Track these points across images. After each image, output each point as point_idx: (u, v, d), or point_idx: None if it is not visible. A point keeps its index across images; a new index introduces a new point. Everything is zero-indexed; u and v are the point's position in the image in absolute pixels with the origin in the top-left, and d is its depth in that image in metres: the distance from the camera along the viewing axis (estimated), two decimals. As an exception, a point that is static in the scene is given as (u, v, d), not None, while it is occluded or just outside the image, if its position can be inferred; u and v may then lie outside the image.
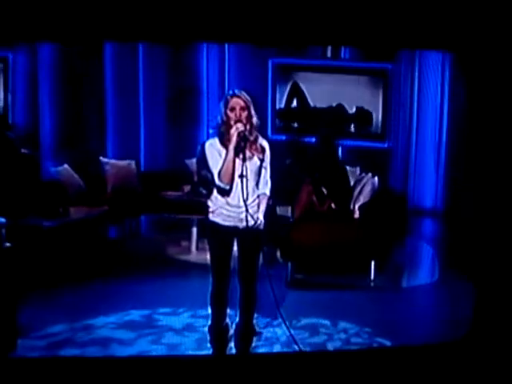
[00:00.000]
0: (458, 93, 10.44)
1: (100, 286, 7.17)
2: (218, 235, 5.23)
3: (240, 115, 5.06)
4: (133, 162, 10.16)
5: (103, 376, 4.80)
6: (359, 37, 6.01)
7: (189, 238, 8.77)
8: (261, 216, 5.22)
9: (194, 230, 8.64)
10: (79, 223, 8.21)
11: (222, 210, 5.18)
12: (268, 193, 5.30)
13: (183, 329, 6.17)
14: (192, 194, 8.84)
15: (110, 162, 10.05)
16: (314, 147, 9.47)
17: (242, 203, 5.07)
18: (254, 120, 5.15)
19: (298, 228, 7.82)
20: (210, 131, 5.31)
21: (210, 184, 8.42)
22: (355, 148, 11.15)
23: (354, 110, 11.23)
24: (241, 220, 5.13)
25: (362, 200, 8.15)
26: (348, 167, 9.17)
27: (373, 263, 7.63)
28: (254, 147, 5.15)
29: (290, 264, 7.57)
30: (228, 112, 5.09)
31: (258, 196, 5.24)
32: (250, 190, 5.11)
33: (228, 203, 5.15)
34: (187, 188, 9.00)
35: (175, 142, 11.39)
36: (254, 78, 11.15)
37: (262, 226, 5.22)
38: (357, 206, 8.12)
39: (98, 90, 10.99)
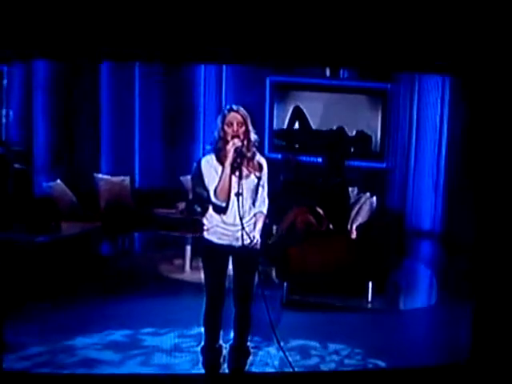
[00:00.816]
0: (458, 114, 10.39)
1: (85, 305, 7.05)
2: (212, 254, 5.14)
3: (237, 130, 4.99)
4: (127, 179, 10.05)
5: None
6: (358, 59, 6.17)
7: (182, 257, 8.65)
8: (257, 235, 5.15)
9: (188, 248, 8.53)
10: (71, 239, 8.13)
11: (218, 229, 5.10)
12: (265, 211, 5.23)
13: (172, 349, 6.06)
14: (186, 212, 8.74)
15: (104, 178, 9.94)
16: (316, 168, 9.42)
17: (238, 221, 4.99)
18: (252, 136, 5.08)
19: (295, 248, 7.72)
20: (207, 147, 5.24)
21: (204, 202, 8.35)
22: (353, 167, 11.07)
23: (354, 133, 11.20)
24: (236, 239, 5.05)
25: (359, 220, 8.07)
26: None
27: (370, 284, 7.54)
28: (251, 164, 5.07)
29: (285, 284, 7.46)
30: (225, 127, 5.02)
31: (255, 214, 5.17)
32: (246, 208, 5.05)
33: (224, 221, 5.07)
34: (181, 205, 8.89)
35: (170, 158, 11.33)
36: (252, 96, 11.05)
37: (258, 245, 5.14)
38: (354, 226, 8.03)
39: (93, 105, 10.92)
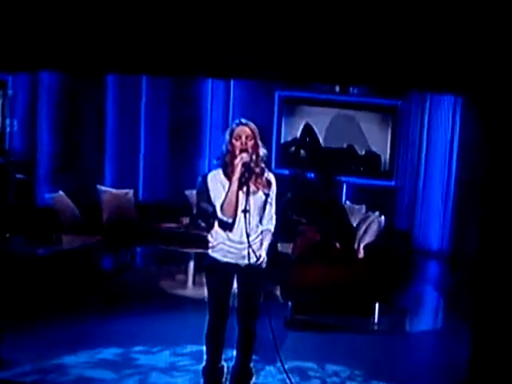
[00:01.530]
0: (469, 132, 10.30)
1: (83, 321, 6.90)
2: (217, 272, 5.03)
3: (246, 144, 4.89)
4: (131, 192, 9.98)
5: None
6: (369, 78, 6.10)
7: (185, 272, 8.55)
8: (263, 253, 5.03)
9: (191, 263, 8.41)
10: (72, 252, 8.01)
11: (223, 246, 4.99)
12: (272, 229, 5.12)
13: (169, 368, 5.93)
14: (191, 227, 8.63)
15: (107, 191, 9.86)
16: (311, 185, 9.35)
17: (244, 239, 4.88)
18: (261, 150, 4.97)
19: (300, 267, 7.60)
20: (214, 162, 5.14)
21: (209, 217, 8.25)
22: (361, 186, 11.02)
23: (363, 150, 11.14)
24: (242, 257, 4.94)
25: (367, 239, 7.93)
26: (354, 205, 9.01)
27: (377, 305, 7.42)
28: (259, 181, 4.96)
29: (290, 304, 7.34)
30: (233, 141, 4.92)
31: (262, 232, 5.05)
32: (253, 225, 4.94)
33: (229, 239, 4.96)
34: (186, 220, 8.79)
35: (175, 172, 11.33)
36: (260, 110, 11.09)
37: (264, 264, 5.02)
38: (362, 246, 7.90)
39: (98, 116, 10.92)
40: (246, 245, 4.87)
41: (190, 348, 6.27)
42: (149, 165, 11.41)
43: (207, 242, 5.10)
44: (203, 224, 8.40)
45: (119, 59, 5.66)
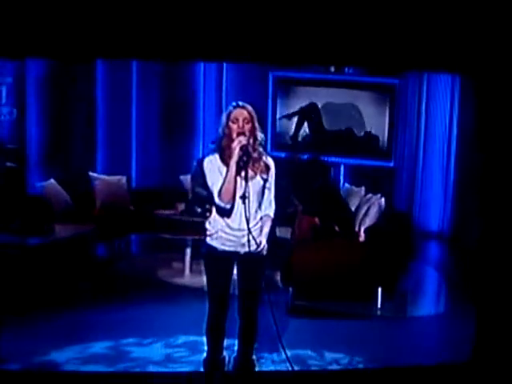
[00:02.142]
0: (469, 110, 10.16)
1: (78, 312, 6.79)
2: (216, 260, 4.89)
3: (243, 127, 4.75)
4: (124, 178, 9.87)
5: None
6: (365, 58, 5.96)
7: (182, 260, 8.40)
8: (264, 240, 4.89)
9: (188, 250, 8.27)
10: (64, 242, 7.86)
11: (222, 234, 4.85)
12: (272, 215, 4.98)
13: (165, 360, 5.82)
14: (186, 213, 8.49)
15: (100, 178, 9.76)
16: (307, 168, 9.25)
17: (243, 226, 4.74)
18: (258, 134, 4.83)
19: (300, 251, 7.47)
20: (210, 146, 4.99)
21: (205, 202, 8.15)
22: (360, 167, 10.90)
23: (361, 131, 11.00)
24: (242, 245, 4.80)
25: (367, 222, 7.80)
26: (353, 187, 8.88)
27: (380, 290, 7.29)
28: (257, 165, 4.83)
29: (291, 290, 7.22)
30: (230, 124, 4.77)
31: (261, 218, 4.92)
32: (252, 211, 4.80)
33: (228, 226, 4.82)
34: (181, 206, 8.65)
35: (169, 157, 11.17)
36: (254, 91, 10.92)
37: (264, 251, 4.89)
38: (362, 229, 7.78)
39: (88, 101, 10.73)
40: (246, 232, 4.74)
41: (187, 338, 6.16)
42: (141, 150, 11.25)
43: (205, 229, 4.95)
44: (199, 210, 8.29)
45: (107, 43, 5.50)
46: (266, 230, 4.93)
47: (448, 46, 5.53)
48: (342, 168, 11.13)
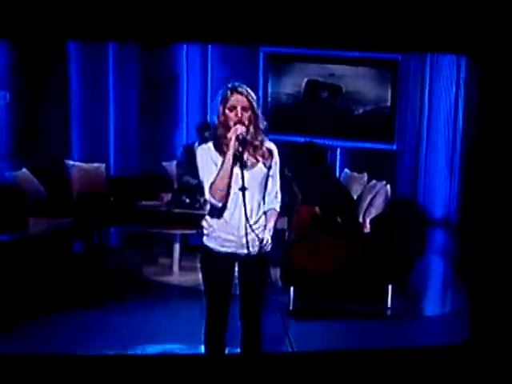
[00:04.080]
0: (476, 86, 9.89)
1: (52, 317, 6.44)
2: (214, 263, 4.51)
3: (241, 115, 4.35)
4: (102, 166, 9.65)
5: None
6: (366, 40, 5.99)
7: (170, 256, 8.01)
8: (268, 236, 4.48)
9: (177, 246, 7.88)
10: (39, 237, 7.47)
11: (220, 233, 4.45)
12: (278, 208, 4.59)
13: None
14: (173, 204, 8.10)
15: (76, 165, 9.52)
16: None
17: (243, 223, 4.35)
18: (261, 122, 4.44)
19: (301, 247, 7.08)
20: (205, 134, 4.63)
21: (194, 192, 7.76)
22: (359, 150, 10.58)
23: (361, 111, 10.69)
24: (243, 244, 4.39)
25: (373, 212, 7.50)
26: (355, 173, 8.56)
27: (390, 287, 6.94)
28: (258, 152, 4.44)
29: (292, 289, 6.83)
30: (227, 111, 4.38)
31: (265, 212, 4.53)
32: (254, 205, 4.42)
33: (226, 223, 4.41)
34: (167, 197, 8.26)
35: (150, 142, 10.84)
36: (243, 68, 10.64)
37: (269, 249, 4.49)
38: (368, 220, 7.45)
39: (61, 83, 10.39)
40: (247, 230, 4.34)
41: (177, 347, 5.76)
42: (119, 135, 10.93)
43: (201, 227, 4.57)
44: (188, 200, 7.94)
45: (80, 25, 5.36)
46: (271, 225, 4.53)
47: (450, 25, 5.50)
48: (338, 152, 10.78)
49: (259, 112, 4.44)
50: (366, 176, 8.62)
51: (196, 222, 7.66)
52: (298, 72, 10.91)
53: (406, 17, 5.44)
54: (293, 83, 10.97)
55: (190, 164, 8.26)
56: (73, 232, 8.16)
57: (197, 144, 8.20)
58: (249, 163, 4.38)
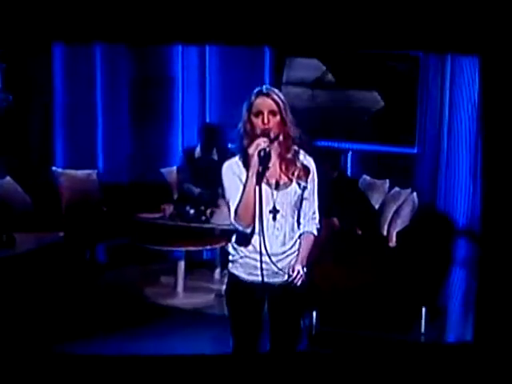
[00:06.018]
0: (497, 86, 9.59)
1: (40, 342, 6.07)
2: (242, 295, 4.19)
3: (268, 122, 3.97)
4: (94, 173, 9.31)
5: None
6: (382, 41, 6.17)
7: (173, 275, 7.57)
8: (299, 267, 4.12)
9: (182, 264, 7.44)
10: (28, 254, 7.14)
11: (247, 260, 4.13)
12: (315, 231, 4.20)
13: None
14: (177, 217, 7.65)
15: (65, 173, 9.19)
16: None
17: (275, 250, 4.04)
18: (292, 129, 4.05)
19: (322, 266, 6.64)
20: (231, 146, 4.23)
21: (198, 201, 7.40)
22: (374, 154, 10.28)
23: (378, 113, 10.48)
24: (274, 274, 4.08)
25: (400, 224, 7.11)
26: (375, 180, 8.25)
27: (423, 310, 6.49)
28: (291, 170, 4.08)
29: (315, 312, 6.40)
30: (252, 118, 4.01)
31: (300, 236, 4.17)
32: (286, 229, 4.08)
33: (255, 250, 4.04)
34: (169, 208, 7.81)
35: (142, 146, 10.63)
36: (245, 66, 10.40)
37: (303, 279, 4.13)
38: (394, 233, 7.05)
39: (45, 83, 10.23)
40: (279, 257, 4.06)
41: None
42: (109, 140, 10.67)
43: (227, 253, 4.28)
44: (192, 211, 7.52)
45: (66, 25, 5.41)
46: (305, 252, 4.17)
47: (464, 27, 5.56)
48: (349, 156, 10.44)
49: (290, 117, 4.05)
50: (387, 183, 8.23)
51: (202, 237, 7.41)
52: (307, 66, 10.68)
53: (419, 18, 5.50)
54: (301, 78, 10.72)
55: (190, 169, 8.09)
56: (65, 248, 7.80)
57: (216, 153, 7.93)
58: (281, 182, 4.06)
